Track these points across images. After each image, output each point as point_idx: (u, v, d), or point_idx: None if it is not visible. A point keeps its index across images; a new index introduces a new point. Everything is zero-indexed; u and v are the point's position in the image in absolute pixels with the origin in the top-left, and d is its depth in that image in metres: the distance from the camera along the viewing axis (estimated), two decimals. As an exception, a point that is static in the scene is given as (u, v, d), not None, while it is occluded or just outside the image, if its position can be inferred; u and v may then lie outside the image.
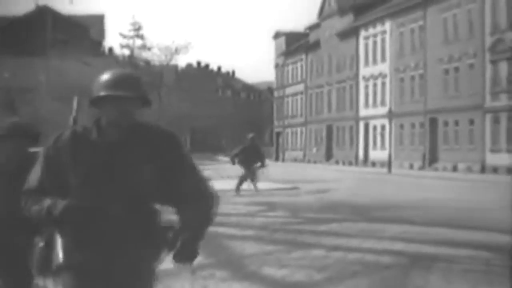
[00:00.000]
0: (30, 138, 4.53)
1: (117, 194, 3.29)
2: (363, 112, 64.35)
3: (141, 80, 3.43)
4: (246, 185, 22.82)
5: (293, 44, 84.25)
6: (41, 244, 3.44)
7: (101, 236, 3.28)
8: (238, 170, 23.40)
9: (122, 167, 3.30)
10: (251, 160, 22.80)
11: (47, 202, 3.29)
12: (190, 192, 3.38)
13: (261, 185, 23.22)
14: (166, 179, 3.36)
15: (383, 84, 60.79)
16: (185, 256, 3.28)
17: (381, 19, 60.97)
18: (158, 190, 3.36)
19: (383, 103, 59.37)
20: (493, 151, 44.95)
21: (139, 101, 3.39)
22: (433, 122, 52.43)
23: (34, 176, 3.41)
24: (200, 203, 3.38)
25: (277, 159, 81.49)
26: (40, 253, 3.43)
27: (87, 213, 3.24)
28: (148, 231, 3.34)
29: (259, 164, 22.93)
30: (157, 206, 3.41)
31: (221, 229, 11.72)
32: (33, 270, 3.48)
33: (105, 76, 3.36)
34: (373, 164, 59.54)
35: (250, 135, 24.09)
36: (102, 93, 3.30)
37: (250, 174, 23.00)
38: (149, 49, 73.67)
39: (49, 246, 3.40)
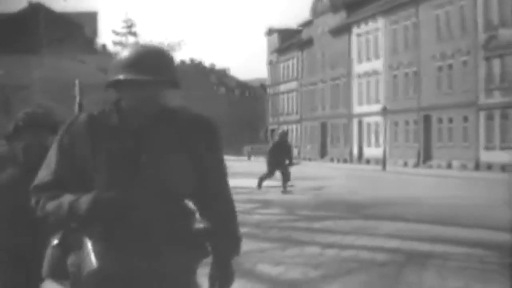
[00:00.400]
0: (48, 128, 4.18)
1: (145, 187, 2.80)
2: (357, 109, 64.40)
3: (168, 57, 2.89)
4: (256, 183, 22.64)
5: (286, 41, 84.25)
6: (55, 242, 2.94)
7: (137, 236, 2.79)
8: (237, 168, 23.22)
9: (149, 156, 2.82)
10: (279, 157, 22.33)
11: (67, 197, 2.78)
12: (217, 196, 3.02)
13: (256, 183, 23.18)
14: (196, 171, 2.91)
15: (377, 81, 60.84)
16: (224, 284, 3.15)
17: (373, 16, 61.04)
18: (190, 184, 2.91)
19: (377, 100, 59.45)
20: (487, 148, 45.05)
21: (165, 84, 2.88)
22: (427, 119, 52.50)
23: (47, 169, 2.91)
24: (229, 216, 3.13)
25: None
26: (53, 253, 2.94)
27: (120, 207, 2.75)
28: (186, 234, 2.91)
29: (287, 162, 22.43)
30: (189, 204, 3.00)
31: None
32: (43, 271, 2.99)
33: (126, 53, 2.87)
34: (368, 161, 59.61)
35: (280, 131, 23.75)
36: (120, 77, 2.81)
37: (283, 173, 22.44)
38: (142, 46, 73.68)
39: (63, 245, 2.91)
